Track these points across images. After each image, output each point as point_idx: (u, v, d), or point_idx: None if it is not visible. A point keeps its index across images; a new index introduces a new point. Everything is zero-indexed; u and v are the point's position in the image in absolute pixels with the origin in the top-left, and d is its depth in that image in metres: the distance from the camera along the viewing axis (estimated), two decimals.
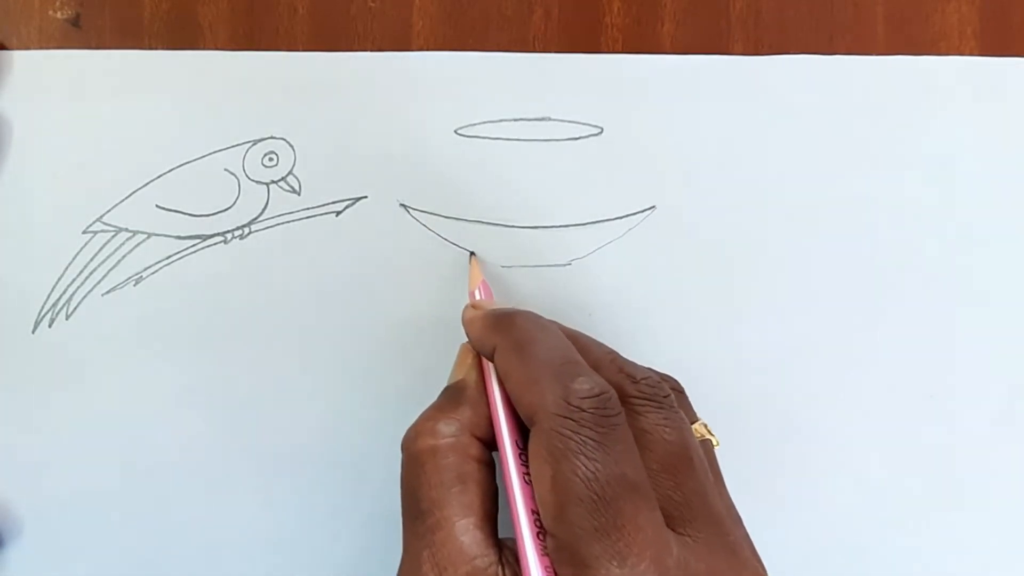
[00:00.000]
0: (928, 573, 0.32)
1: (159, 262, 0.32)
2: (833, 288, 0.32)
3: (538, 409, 0.23)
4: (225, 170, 0.33)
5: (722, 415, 0.32)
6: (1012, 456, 0.32)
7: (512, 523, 0.23)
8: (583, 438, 0.22)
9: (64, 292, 0.32)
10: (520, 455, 0.24)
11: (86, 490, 0.32)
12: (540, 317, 0.26)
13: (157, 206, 0.33)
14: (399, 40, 0.33)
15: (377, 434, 0.32)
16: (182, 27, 0.33)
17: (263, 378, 0.32)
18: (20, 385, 0.32)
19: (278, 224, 0.32)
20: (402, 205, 0.32)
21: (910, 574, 0.32)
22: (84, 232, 0.32)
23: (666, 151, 0.33)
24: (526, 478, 0.23)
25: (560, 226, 0.32)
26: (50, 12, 0.34)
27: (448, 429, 0.25)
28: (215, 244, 0.32)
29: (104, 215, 0.32)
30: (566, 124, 0.33)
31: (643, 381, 0.24)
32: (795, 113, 0.33)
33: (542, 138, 0.33)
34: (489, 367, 0.26)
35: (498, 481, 0.25)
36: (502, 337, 0.25)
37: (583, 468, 0.21)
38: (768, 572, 0.23)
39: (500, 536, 0.24)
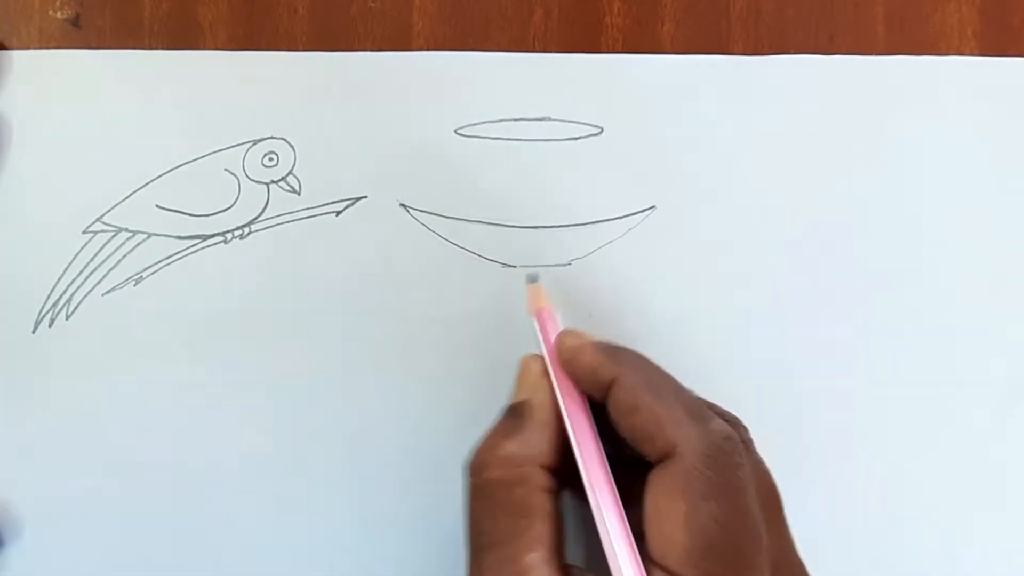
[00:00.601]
0: (934, 570, 0.32)
1: (159, 262, 0.32)
2: (833, 287, 0.32)
3: (680, 445, 0.22)
4: (225, 170, 0.33)
5: None
6: (1014, 454, 0.32)
7: (608, 559, 0.22)
8: (724, 481, 0.22)
9: (64, 292, 0.32)
10: (614, 491, 0.23)
11: (86, 490, 0.32)
12: (651, 359, 0.26)
13: (157, 206, 0.33)
14: (399, 40, 0.33)
15: (378, 433, 0.32)
16: (182, 27, 0.33)
17: (263, 378, 0.32)
18: (20, 385, 0.32)
19: (278, 224, 0.32)
20: (402, 205, 0.32)
21: (915, 571, 0.32)
22: (84, 232, 0.32)
23: (666, 151, 0.33)
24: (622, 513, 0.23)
25: (560, 226, 0.32)
26: (50, 12, 0.34)
27: (516, 458, 0.24)
28: (215, 244, 0.32)
29: (104, 215, 0.32)
30: (566, 124, 0.33)
31: (735, 423, 0.25)
32: (795, 113, 0.33)
33: (542, 138, 0.33)
34: (573, 397, 0.25)
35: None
36: (628, 371, 0.24)
37: (721, 512, 0.21)
38: None
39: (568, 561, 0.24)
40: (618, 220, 0.33)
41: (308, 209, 0.32)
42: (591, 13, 0.34)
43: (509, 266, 0.32)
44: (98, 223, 0.32)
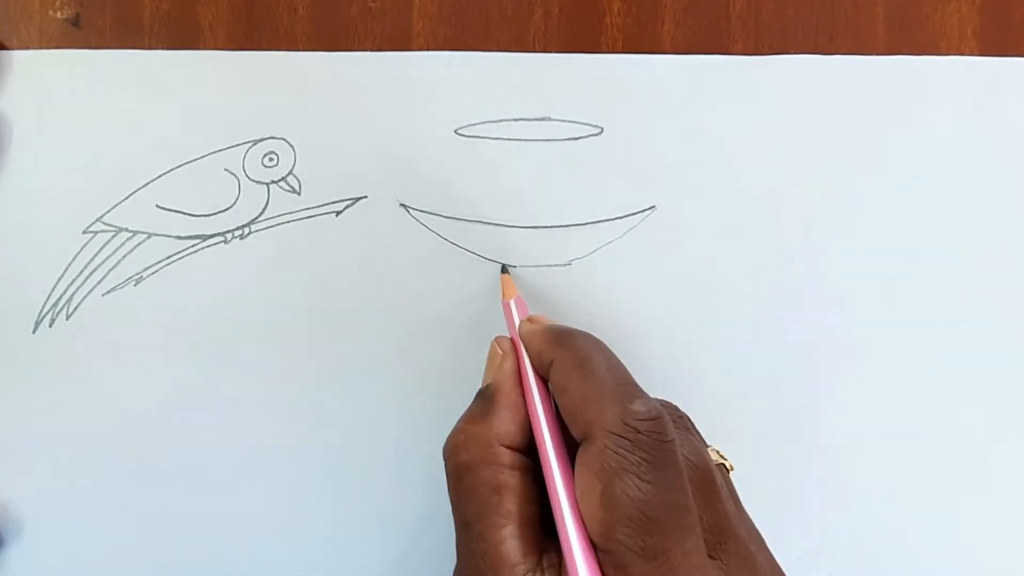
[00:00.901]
0: (935, 569, 0.32)
1: (159, 262, 0.32)
2: (833, 287, 0.32)
3: (595, 425, 0.23)
4: (225, 170, 0.33)
5: (721, 414, 0.32)
6: (1014, 454, 0.32)
7: (559, 531, 0.23)
8: (638, 459, 0.22)
9: (64, 292, 0.32)
10: (567, 468, 0.24)
11: (86, 490, 0.32)
12: (597, 339, 0.26)
13: (157, 206, 0.33)
14: (399, 40, 0.33)
15: (378, 433, 0.32)
16: (182, 27, 0.33)
17: (262, 377, 0.32)
18: (20, 385, 0.32)
19: (278, 224, 0.32)
20: (402, 205, 0.32)
21: (915, 571, 0.32)
22: (84, 232, 0.32)
23: (666, 151, 0.33)
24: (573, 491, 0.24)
25: (560, 226, 0.32)
26: (50, 12, 0.34)
27: (482, 440, 0.25)
28: (215, 244, 0.32)
29: (104, 215, 0.32)
30: (566, 124, 0.33)
31: (667, 405, 0.25)
32: (795, 113, 0.33)
33: (542, 138, 0.33)
34: (530, 379, 0.26)
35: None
36: (562, 353, 0.25)
37: (635, 488, 0.22)
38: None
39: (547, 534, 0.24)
40: (618, 220, 0.33)
41: (308, 209, 0.32)
42: (591, 13, 0.34)
43: (509, 266, 0.32)
44: (98, 223, 0.32)
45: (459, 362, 0.32)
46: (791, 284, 0.32)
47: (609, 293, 0.32)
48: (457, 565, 0.24)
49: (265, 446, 0.32)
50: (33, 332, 0.32)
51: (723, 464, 0.26)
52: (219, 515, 0.31)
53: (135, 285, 0.32)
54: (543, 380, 0.26)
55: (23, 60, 0.33)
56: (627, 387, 0.24)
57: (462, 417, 0.26)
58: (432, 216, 0.32)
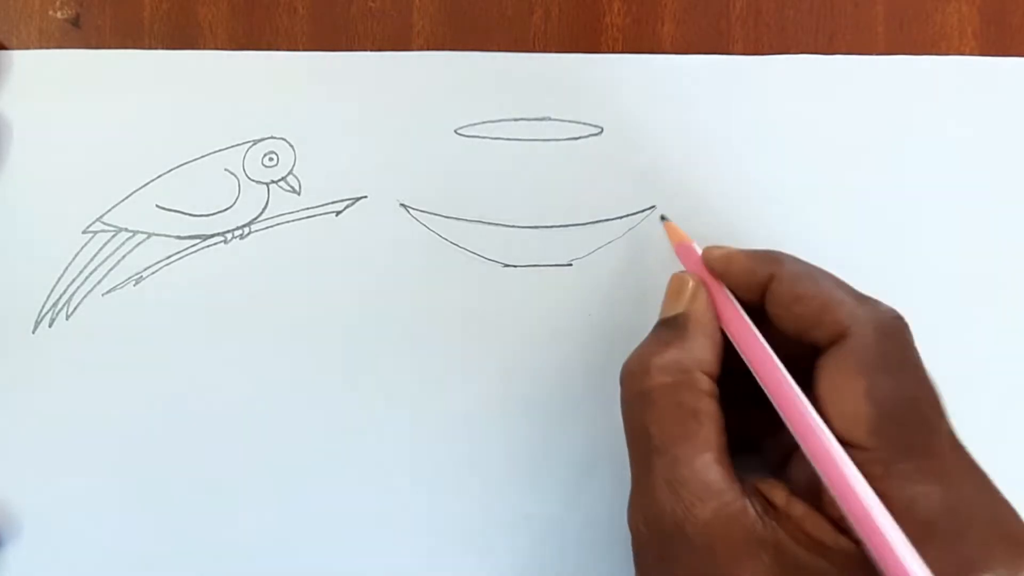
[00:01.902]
0: None
1: (159, 262, 0.32)
2: None
3: (852, 325, 0.23)
4: (225, 170, 0.33)
5: None
6: (1014, 454, 0.32)
7: (807, 446, 0.22)
8: (901, 356, 0.22)
9: (64, 292, 0.32)
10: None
11: (86, 490, 0.32)
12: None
13: (157, 206, 0.33)
14: (399, 40, 0.33)
15: (377, 433, 0.32)
16: (182, 27, 0.33)
17: (263, 378, 0.32)
18: (20, 385, 0.32)
19: (278, 224, 0.32)
20: (402, 205, 0.32)
21: None
22: (84, 232, 0.32)
23: (666, 151, 0.33)
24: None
25: (560, 226, 0.32)
26: (50, 12, 0.34)
27: (681, 364, 0.25)
28: (215, 244, 0.32)
29: (104, 215, 0.32)
30: (566, 124, 0.33)
31: None
32: (795, 113, 0.33)
33: (542, 138, 0.33)
34: (728, 300, 0.26)
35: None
36: (784, 265, 0.25)
37: (900, 384, 0.22)
38: None
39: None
40: (618, 220, 0.33)
41: (308, 209, 0.32)
42: (591, 13, 0.34)
43: (509, 266, 0.32)
44: (98, 223, 0.32)
45: (459, 361, 0.32)
46: None
47: (609, 293, 0.32)
48: (640, 494, 0.24)
49: (265, 445, 0.32)
50: (33, 332, 0.32)
51: None
52: (219, 515, 0.31)
53: (135, 285, 0.32)
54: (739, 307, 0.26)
55: (23, 60, 0.33)
56: (860, 294, 0.24)
57: (646, 343, 0.26)
58: (432, 216, 0.32)
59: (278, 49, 0.33)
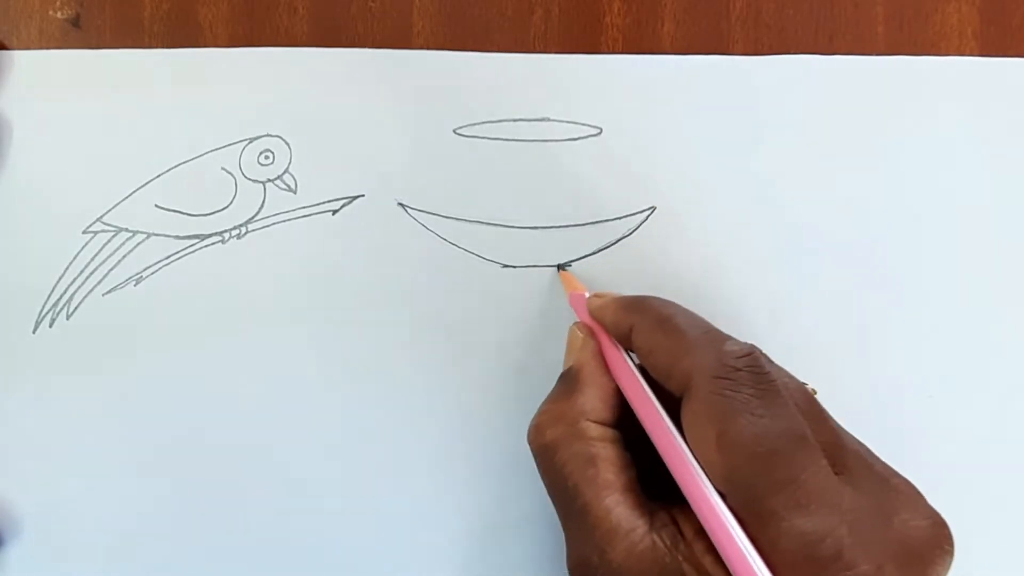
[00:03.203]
0: None
1: (159, 262, 0.32)
2: (832, 287, 0.32)
3: (694, 374, 0.23)
4: (222, 168, 0.33)
5: None
6: (1014, 454, 0.32)
7: (683, 486, 0.22)
8: (745, 396, 0.22)
9: (64, 292, 0.32)
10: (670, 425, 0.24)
11: (86, 490, 0.32)
12: (667, 299, 0.27)
13: (156, 206, 0.33)
14: (399, 40, 0.33)
15: (376, 432, 0.32)
16: (182, 27, 0.33)
17: (262, 377, 0.32)
18: (20, 385, 0.32)
19: (274, 223, 0.32)
20: (400, 204, 0.32)
21: None
22: (84, 232, 0.32)
23: (666, 151, 0.33)
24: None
25: (560, 226, 0.32)
26: (50, 12, 0.34)
27: (568, 417, 0.25)
28: (213, 244, 0.32)
29: (104, 215, 0.32)
30: (565, 124, 0.33)
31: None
32: (795, 113, 0.33)
33: (541, 138, 0.33)
34: (611, 348, 0.27)
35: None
36: (640, 316, 0.26)
37: (750, 425, 0.22)
38: None
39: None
40: (618, 220, 0.33)
41: (304, 208, 0.32)
42: (591, 13, 0.34)
43: (508, 266, 0.32)
44: (98, 223, 0.32)
45: (458, 361, 0.32)
46: (791, 283, 0.32)
47: None
48: (569, 547, 0.24)
49: (264, 445, 0.32)
50: (33, 332, 0.32)
51: (812, 391, 0.26)
52: (219, 514, 0.31)
53: (135, 285, 0.32)
54: (626, 351, 0.26)
55: (23, 60, 0.33)
56: (712, 332, 0.24)
57: (545, 400, 0.27)
58: (430, 215, 0.32)
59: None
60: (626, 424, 0.26)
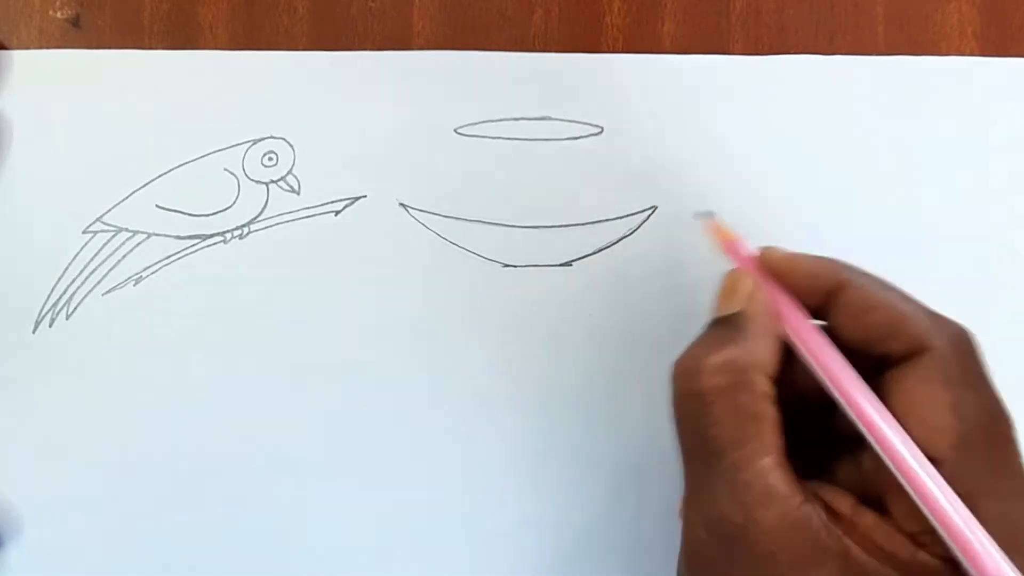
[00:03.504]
0: None
1: (159, 262, 0.32)
2: None
3: (933, 338, 0.23)
4: (225, 170, 0.33)
5: None
6: None
7: (889, 457, 0.22)
8: (979, 370, 0.23)
9: (64, 292, 0.32)
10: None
11: (86, 490, 0.32)
12: None
13: (157, 206, 0.33)
14: (399, 40, 0.33)
15: (377, 432, 0.32)
16: (182, 27, 0.33)
17: (263, 377, 0.32)
18: (20, 385, 0.32)
19: (277, 224, 0.32)
20: (401, 204, 0.32)
21: None
22: (84, 232, 0.32)
23: (666, 151, 0.33)
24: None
25: (560, 226, 0.32)
26: (50, 12, 0.34)
27: (738, 364, 0.23)
28: (215, 244, 0.32)
29: (104, 215, 0.32)
30: (566, 124, 0.33)
31: None
32: (795, 113, 0.33)
33: (542, 138, 0.33)
34: (789, 301, 0.25)
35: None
36: (855, 273, 0.25)
37: (982, 399, 0.22)
38: None
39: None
40: (618, 220, 0.33)
41: (307, 209, 0.32)
42: (591, 13, 0.34)
43: (509, 266, 0.32)
44: (98, 223, 0.32)
45: (457, 361, 0.32)
46: None
47: (609, 293, 0.32)
48: (703, 502, 0.23)
49: (264, 445, 0.32)
50: (33, 332, 0.32)
51: None
52: (219, 514, 0.31)
53: (135, 285, 0.32)
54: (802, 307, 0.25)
55: (23, 60, 0.33)
56: (928, 308, 0.24)
57: (700, 342, 0.25)
58: (432, 216, 0.32)
59: (278, 49, 0.33)
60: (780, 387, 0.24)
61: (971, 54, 0.33)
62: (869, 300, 0.24)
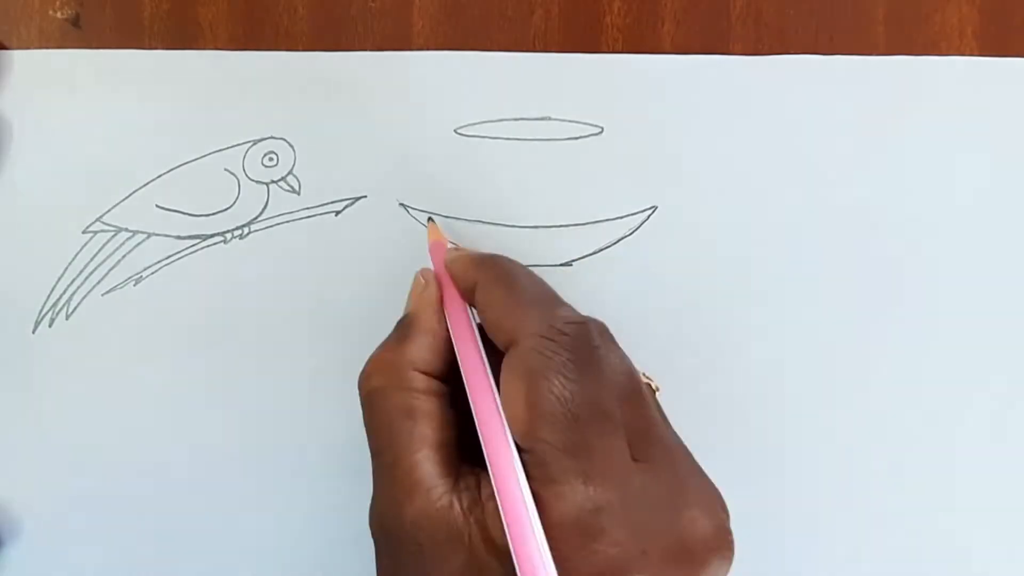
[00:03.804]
0: (934, 570, 0.32)
1: (159, 262, 0.32)
2: (832, 288, 0.32)
3: (520, 330, 0.23)
4: (225, 170, 0.33)
5: (721, 414, 0.32)
6: (1014, 454, 0.32)
7: (484, 439, 0.22)
8: (563, 360, 0.22)
9: (64, 292, 0.32)
10: (490, 381, 0.24)
11: (86, 490, 0.32)
12: (519, 262, 0.27)
13: (157, 206, 0.33)
14: (399, 40, 0.33)
15: None
16: (182, 27, 0.33)
17: (263, 377, 0.32)
18: (20, 385, 0.32)
19: (278, 224, 0.32)
20: (402, 204, 0.32)
21: (914, 571, 0.32)
22: (84, 232, 0.32)
23: (666, 151, 0.33)
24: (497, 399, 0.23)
25: (560, 226, 0.32)
26: (50, 12, 0.34)
27: (394, 365, 0.25)
28: (215, 244, 0.32)
29: (104, 215, 0.32)
30: (566, 124, 0.33)
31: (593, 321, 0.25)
32: (795, 113, 0.33)
33: (542, 138, 0.33)
34: (454, 298, 0.26)
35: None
36: (485, 273, 0.26)
37: (559, 387, 0.22)
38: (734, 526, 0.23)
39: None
40: (618, 220, 0.33)
41: (308, 209, 0.32)
42: (591, 13, 0.34)
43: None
44: (98, 223, 0.32)
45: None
46: (791, 283, 0.32)
47: (610, 293, 0.32)
48: (373, 496, 0.24)
49: (264, 445, 0.32)
50: (33, 332, 0.32)
51: (649, 384, 0.26)
52: (219, 515, 0.31)
53: (135, 285, 0.32)
54: (469, 306, 0.26)
55: (23, 60, 0.33)
56: (551, 297, 0.25)
57: (378, 347, 0.26)
58: (432, 216, 0.32)
59: (278, 49, 0.33)
60: (457, 381, 0.25)
61: (971, 54, 0.33)
62: (485, 299, 0.25)
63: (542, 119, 0.33)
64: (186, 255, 0.32)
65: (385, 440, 0.24)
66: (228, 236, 0.32)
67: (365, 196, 0.32)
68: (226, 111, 0.33)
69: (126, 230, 0.32)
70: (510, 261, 0.27)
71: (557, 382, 0.22)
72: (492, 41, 0.33)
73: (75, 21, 0.34)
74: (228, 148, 0.33)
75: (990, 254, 0.33)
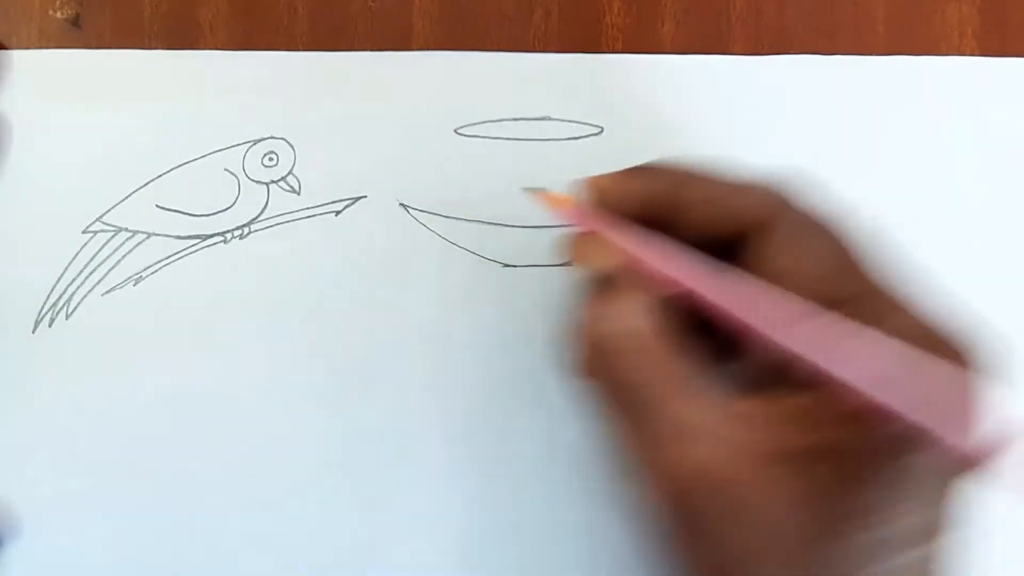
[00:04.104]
0: None
1: (159, 262, 0.32)
2: None
3: (773, 201, 0.25)
4: (225, 170, 0.33)
5: None
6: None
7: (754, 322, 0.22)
8: (821, 215, 0.25)
9: (64, 292, 0.32)
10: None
11: (86, 490, 0.32)
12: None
13: (157, 206, 0.33)
14: (399, 40, 0.33)
15: (378, 433, 0.32)
16: (182, 27, 0.33)
17: (263, 378, 0.32)
18: (20, 385, 0.32)
19: (278, 224, 0.32)
20: (402, 205, 0.33)
21: None
22: (84, 232, 0.32)
23: (666, 151, 0.33)
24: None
25: (561, 226, 0.32)
26: (50, 12, 0.34)
27: (623, 314, 0.24)
28: (215, 244, 0.32)
29: (104, 215, 0.32)
30: (566, 124, 0.33)
31: None
32: (795, 113, 0.33)
33: (542, 138, 0.33)
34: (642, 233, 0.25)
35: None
36: (672, 175, 0.26)
37: (843, 239, 0.24)
38: None
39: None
40: None
41: (308, 209, 0.32)
42: (591, 13, 0.34)
43: (509, 266, 0.32)
44: (98, 223, 0.32)
45: (459, 361, 0.32)
46: None
47: None
48: (652, 455, 0.22)
49: (264, 445, 0.32)
50: (33, 332, 0.32)
51: None
52: (219, 515, 0.31)
53: (135, 285, 0.32)
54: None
55: (23, 60, 0.33)
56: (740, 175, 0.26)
57: (589, 302, 0.25)
58: (432, 216, 0.32)
59: (278, 49, 0.33)
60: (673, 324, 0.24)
61: (971, 54, 0.33)
62: (697, 193, 0.25)
63: (542, 119, 0.33)
64: (186, 255, 0.32)
65: (637, 389, 0.23)
66: (228, 236, 0.32)
67: (365, 196, 0.33)
68: (226, 111, 0.33)
69: (126, 230, 0.32)
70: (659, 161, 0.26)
71: (839, 233, 0.24)
72: (492, 41, 0.33)
73: (75, 21, 0.34)
74: (228, 148, 0.33)
75: (990, 254, 0.33)
